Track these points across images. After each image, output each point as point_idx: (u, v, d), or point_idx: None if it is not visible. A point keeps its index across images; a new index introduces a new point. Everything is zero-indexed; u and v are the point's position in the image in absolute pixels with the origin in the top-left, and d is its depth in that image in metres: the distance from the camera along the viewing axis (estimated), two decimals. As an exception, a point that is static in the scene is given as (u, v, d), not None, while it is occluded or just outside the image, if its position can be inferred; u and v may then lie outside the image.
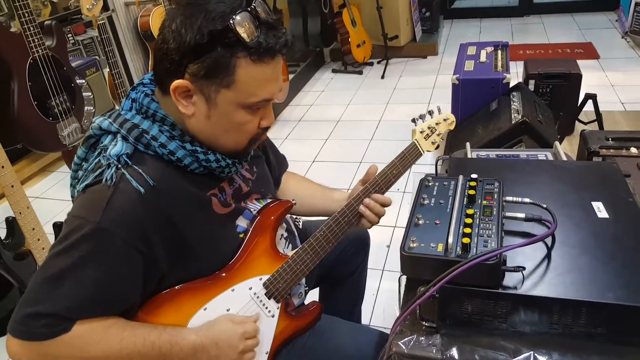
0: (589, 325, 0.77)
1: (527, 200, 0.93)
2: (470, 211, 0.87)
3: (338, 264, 1.35)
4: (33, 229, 1.61)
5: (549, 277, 0.80)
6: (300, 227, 1.28)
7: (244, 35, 0.75)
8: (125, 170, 0.80)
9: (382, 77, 4.10)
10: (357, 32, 4.17)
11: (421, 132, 1.16)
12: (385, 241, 2.23)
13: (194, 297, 0.90)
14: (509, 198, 0.94)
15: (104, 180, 0.79)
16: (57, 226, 1.82)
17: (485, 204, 0.90)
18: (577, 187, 1.00)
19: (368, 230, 1.43)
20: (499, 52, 2.67)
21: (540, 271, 0.81)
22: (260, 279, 0.96)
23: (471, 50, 2.75)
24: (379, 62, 4.34)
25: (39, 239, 1.63)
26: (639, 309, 0.73)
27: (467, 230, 0.82)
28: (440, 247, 0.81)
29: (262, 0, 0.81)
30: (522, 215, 0.90)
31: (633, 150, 1.81)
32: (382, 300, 1.92)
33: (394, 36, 4.30)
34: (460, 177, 0.97)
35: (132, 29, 2.21)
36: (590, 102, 2.34)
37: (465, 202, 0.91)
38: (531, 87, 2.49)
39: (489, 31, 4.88)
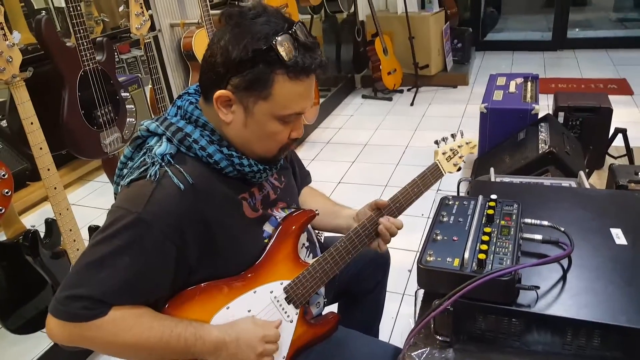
0: (602, 348, 0.77)
1: (545, 223, 0.95)
2: (487, 229, 0.90)
3: (357, 279, 1.37)
4: (70, 230, 1.70)
5: (564, 297, 0.82)
6: (322, 240, 1.32)
7: (283, 54, 0.84)
8: (168, 168, 0.88)
9: (412, 104, 4.15)
10: (389, 60, 4.25)
11: (443, 153, 1.20)
12: (407, 266, 2.23)
13: (218, 295, 0.94)
14: (528, 220, 0.96)
15: (148, 176, 0.87)
16: (92, 229, 1.92)
17: (503, 224, 0.92)
18: (597, 214, 1.01)
19: (389, 252, 1.45)
20: (529, 83, 2.69)
21: (555, 292, 0.83)
22: (282, 284, 1.01)
23: (501, 81, 2.78)
24: (408, 90, 4.40)
25: (74, 240, 1.72)
26: (652, 333, 0.73)
27: (484, 247, 0.85)
28: (457, 262, 0.84)
29: (302, 25, 0.89)
30: (539, 237, 0.92)
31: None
32: (400, 324, 1.92)
33: (425, 65, 4.37)
34: (480, 197, 1.00)
35: (175, 48, 2.34)
36: (620, 136, 2.32)
37: (483, 221, 0.94)
38: (561, 119, 2.49)
39: (521, 64, 4.89)
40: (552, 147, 1.90)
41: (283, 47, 0.83)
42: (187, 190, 0.87)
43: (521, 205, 0.98)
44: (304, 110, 0.92)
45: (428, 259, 0.86)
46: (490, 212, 0.94)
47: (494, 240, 0.88)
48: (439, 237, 0.92)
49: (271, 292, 1.00)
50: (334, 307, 1.43)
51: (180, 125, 0.92)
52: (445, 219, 0.97)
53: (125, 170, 0.95)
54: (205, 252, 0.91)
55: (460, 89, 4.41)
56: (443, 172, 1.20)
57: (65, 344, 0.86)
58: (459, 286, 0.80)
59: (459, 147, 1.24)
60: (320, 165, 3.26)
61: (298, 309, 1.02)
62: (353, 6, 4.13)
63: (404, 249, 2.30)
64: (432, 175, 1.18)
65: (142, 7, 1.92)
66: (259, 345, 0.92)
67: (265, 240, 1.01)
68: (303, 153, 3.44)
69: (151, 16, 1.99)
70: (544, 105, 3.38)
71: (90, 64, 1.78)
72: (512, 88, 2.65)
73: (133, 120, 2.03)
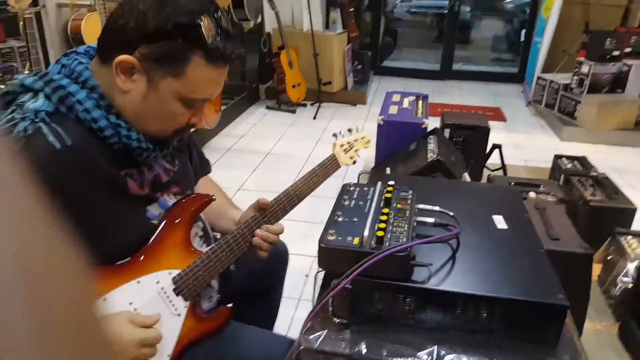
0: (489, 320, 0.82)
1: (436, 208, 1.00)
2: (385, 210, 0.92)
3: (254, 277, 1.32)
4: None
5: (454, 274, 0.85)
6: (218, 236, 1.25)
7: (206, 36, 0.79)
8: (42, 125, 0.76)
9: (314, 117, 4.24)
10: (294, 73, 4.32)
11: (341, 145, 1.24)
12: (304, 270, 2.22)
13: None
14: (421, 206, 1.00)
15: (15, 132, 0.74)
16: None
17: (399, 207, 0.95)
18: (481, 203, 1.09)
19: (287, 248, 1.43)
20: (420, 101, 2.90)
21: (446, 269, 0.87)
22: (170, 273, 0.92)
23: (396, 98, 2.96)
24: (312, 104, 4.50)
25: None
26: (528, 303, 0.79)
27: (382, 225, 0.86)
28: (357, 241, 0.84)
29: (227, 12, 0.85)
30: (431, 220, 0.96)
31: (532, 194, 2.02)
32: (296, 329, 1.88)
33: (328, 82, 4.51)
34: (379, 183, 1.03)
35: (60, 30, 2.13)
36: (496, 152, 2.59)
37: (381, 205, 0.96)
38: (446, 135, 2.71)
39: (412, 89, 5.24)
40: (440, 155, 2.05)
41: (206, 29, 0.79)
42: (64, 150, 0.76)
43: (415, 192, 1.02)
44: (211, 97, 0.89)
45: (329, 238, 0.85)
46: (388, 195, 0.97)
47: (391, 221, 0.90)
48: (340, 219, 0.91)
49: (157, 282, 0.90)
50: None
51: (63, 83, 0.81)
52: (346, 203, 0.98)
53: None
54: (78, 229, 0.79)
55: (359, 107, 4.62)
56: (341, 164, 1.23)
57: None
58: (358, 264, 0.80)
59: (355, 141, 1.28)
60: (220, 172, 3.11)
61: (188, 302, 0.94)
62: (260, 17, 4.14)
63: (302, 254, 2.29)
64: (330, 165, 1.20)
65: (23, -22, 1.71)
66: (135, 350, 0.81)
67: (155, 222, 0.92)
68: (201, 158, 3.30)
69: (34, -9, 1.79)
70: (431, 126, 3.66)
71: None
72: (405, 104, 2.83)
73: None
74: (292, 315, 1.95)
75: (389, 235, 0.85)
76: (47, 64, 2.04)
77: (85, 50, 0.89)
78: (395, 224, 0.89)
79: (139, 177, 0.90)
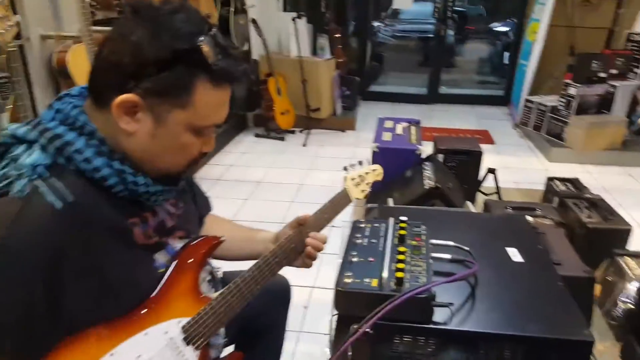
0: (513, 360, 0.79)
1: (450, 243, 0.98)
2: (402, 249, 0.89)
3: (257, 316, 1.27)
4: None
5: (475, 313, 0.83)
6: (221, 275, 1.21)
7: (208, 57, 0.75)
8: (39, 182, 0.71)
9: (304, 145, 4.23)
10: (282, 100, 4.33)
11: (352, 179, 1.20)
12: (303, 302, 2.17)
13: (100, 340, 0.77)
14: (434, 241, 0.98)
15: (12, 191, 0.70)
16: None
17: (414, 244, 0.92)
18: (492, 235, 1.08)
19: (290, 285, 1.38)
20: (413, 127, 2.91)
21: (467, 308, 0.84)
22: (179, 322, 0.87)
23: (388, 124, 2.96)
24: (301, 131, 4.50)
25: None
26: (555, 341, 0.77)
27: (401, 265, 0.84)
28: (375, 282, 0.81)
29: (218, 29, 0.82)
30: (448, 256, 0.94)
31: (529, 218, 2.01)
32: (299, 363, 1.83)
33: (316, 108, 4.52)
34: (391, 219, 1.00)
35: (45, 63, 2.07)
36: (490, 176, 2.60)
37: (396, 242, 0.93)
38: (440, 160, 2.71)
39: (400, 114, 5.29)
40: (437, 182, 2.05)
41: (207, 50, 0.74)
42: (65, 209, 0.71)
43: (427, 226, 1.00)
44: (221, 121, 0.83)
45: (346, 281, 0.81)
46: (403, 232, 0.95)
47: (409, 260, 0.87)
48: (354, 259, 0.88)
49: (166, 332, 0.85)
50: (230, 349, 1.30)
51: (59, 132, 0.75)
52: (359, 241, 0.95)
53: None
54: (87, 287, 0.74)
55: (348, 133, 4.63)
56: (352, 198, 1.20)
57: None
58: (377, 307, 0.77)
59: (366, 173, 1.25)
60: (211, 202, 3.11)
61: (198, 352, 0.88)
62: (247, 44, 4.16)
63: (298, 285, 2.24)
64: (341, 201, 1.16)
65: (7, 11, 1.66)
66: None
67: (160, 271, 0.87)
68: (193, 189, 3.25)
69: (18, 23, 1.74)
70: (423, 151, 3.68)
71: None
72: (398, 130, 2.84)
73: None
74: (293, 350, 1.89)
75: (408, 276, 0.82)
76: (32, 98, 1.99)
77: (80, 91, 0.83)
78: (412, 262, 0.86)
79: (143, 225, 0.85)
